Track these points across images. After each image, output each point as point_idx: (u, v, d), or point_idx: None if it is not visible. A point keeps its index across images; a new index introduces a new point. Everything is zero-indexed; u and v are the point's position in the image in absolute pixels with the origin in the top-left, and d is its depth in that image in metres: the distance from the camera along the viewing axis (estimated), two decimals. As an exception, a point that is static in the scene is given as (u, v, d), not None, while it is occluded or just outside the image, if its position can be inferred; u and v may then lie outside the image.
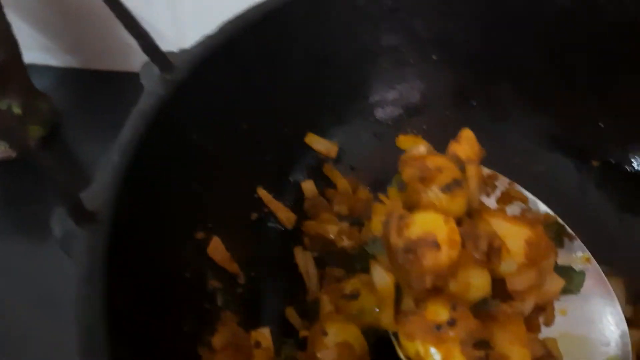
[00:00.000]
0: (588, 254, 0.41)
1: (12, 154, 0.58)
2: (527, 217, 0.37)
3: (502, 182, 0.45)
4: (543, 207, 0.43)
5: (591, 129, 0.47)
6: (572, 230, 0.43)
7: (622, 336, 0.38)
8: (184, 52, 0.36)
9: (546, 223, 0.41)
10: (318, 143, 0.46)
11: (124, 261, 0.29)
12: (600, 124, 0.47)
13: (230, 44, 0.38)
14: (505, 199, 0.44)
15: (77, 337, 0.25)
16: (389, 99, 0.48)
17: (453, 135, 0.48)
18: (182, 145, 0.36)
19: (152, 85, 0.34)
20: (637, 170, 0.46)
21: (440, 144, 0.48)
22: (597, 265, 0.40)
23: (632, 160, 0.46)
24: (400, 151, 0.49)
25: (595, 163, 0.47)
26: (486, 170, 0.43)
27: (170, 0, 0.60)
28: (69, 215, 0.28)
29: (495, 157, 0.48)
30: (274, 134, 0.43)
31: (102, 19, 0.60)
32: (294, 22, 0.41)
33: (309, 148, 0.46)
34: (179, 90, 0.34)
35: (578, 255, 0.41)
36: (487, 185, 0.45)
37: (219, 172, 0.39)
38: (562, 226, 0.42)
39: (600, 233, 0.45)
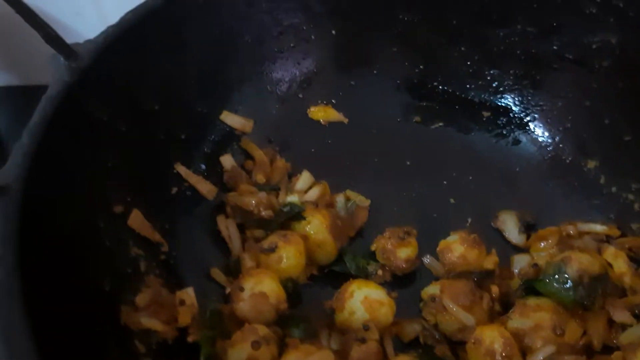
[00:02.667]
0: None
1: None
2: None
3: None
4: None
5: (481, 82, 0.52)
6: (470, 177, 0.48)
7: None
8: (88, 42, 0.39)
9: None
10: (233, 120, 0.50)
11: (38, 228, 0.32)
12: (487, 77, 0.52)
13: (133, 31, 0.41)
14: None
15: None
16: (295, 73, 0.52)
17: (359, 104, 0.53)
18: (92, 126, 0.39)
19: (59, 73, 0.37)
20: (522, 120, 0.51)
21: (349, 114, 0.53)
22: None
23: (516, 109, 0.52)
24: (311, 121, 0.53)
25: (485, 114, 0.52)
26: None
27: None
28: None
29: (395, 119, 0.53)
30: (187, 113, 0.46)
31: (34, 35, 0.62)
32: (195, 7, 0.44)
33: (224, 124, 0.50)
34: (84, 76, 0.38)
35: None
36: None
37: (134, 150, 0.42)
38: None
39: (496, 176, 0.50)
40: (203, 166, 0.47)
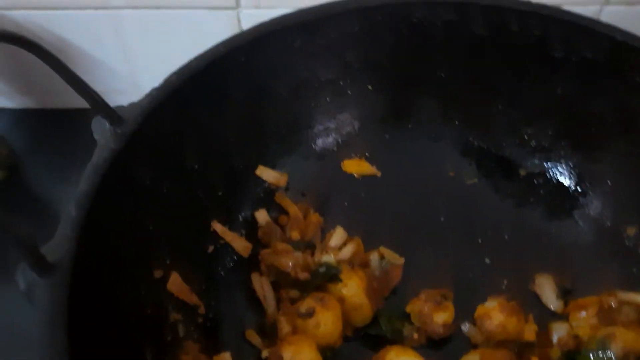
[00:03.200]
0: None
1: None
2: None
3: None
4: None
5: (517, 141, 0.52)
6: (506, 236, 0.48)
7: None
8: (132, 105, 0.39)
9: None
10: (268, 174, 0.49)
11: (85, 306, 0.32)
12: (524, 136, 0.52)
13: (176, 94, 0.41)
14: None
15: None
16: (331, 127, 0.52)
17: (394, 158, 0.53)
18: (136, 191, 0.39)
19: (104, 139, 0.37)
20: (558, 180, 0.51)
21: (383, 167, 0.53)
22: None
23: (554, 170, 0.51)
24: (346, 174, 0.53)
25: (522, 172, 0.52)
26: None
27: (125, 55, 0.63)
28: (32, 268, 0.30)
29: (430, 174, 0.53)
30: (224, 169, 0.46)
31: None
32: (235, 67, 0.44)
33: (260, 179, 0.49)
34: (129, 141, 0.38)
35: None
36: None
37: (173, 211, 0.42)
38: None
39: (531, 236, 0.50)
40: (239, 222, 0.47)
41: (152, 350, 0.36)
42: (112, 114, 0.37)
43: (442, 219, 0.51)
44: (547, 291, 0.46)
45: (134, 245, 0.38)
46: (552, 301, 0.46)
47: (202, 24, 0.60)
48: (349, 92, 0.51)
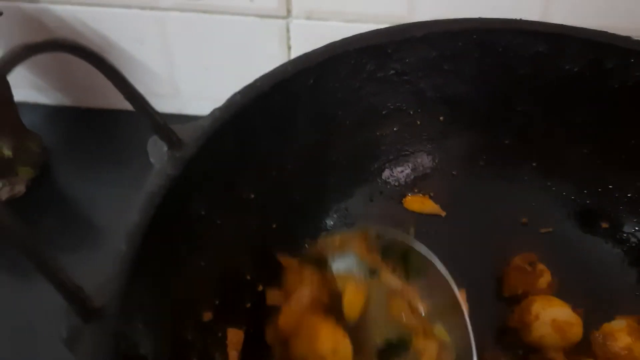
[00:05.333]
0: None
1: (1, 196, 0.56)
2: None
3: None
4: None
5: (600, 190, 0.47)
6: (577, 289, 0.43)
7: None
8: (192, 125, 0.35)
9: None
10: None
11: (131, 356, 0.28)
12: (609, 185, 0.47)
13: (239, 115, 0.37)
14: None
15: None
16: (395, 160, 0.48)
17: (461, 196, 0.48)
18: (190, 222, 0.35)
19: (161, 164, 0.33)
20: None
21: (448, 207, 0.48)
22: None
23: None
24: (408, 212, 0.49)
25: (604, 225, 0.47)
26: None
27: (168, 59, 0.60)
28: (76, 314, 0.26)
29: (502, 217, 0.48)
30: (281, 201, 0.42)
31: None
32: (302, 90, 0.40)
33: (321, 212, 0.45)
34: (187, 167, 0.33)
35: None
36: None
37: (226, 245, 0.38)
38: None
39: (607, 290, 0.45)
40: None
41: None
42: (172, 136, 0.33)
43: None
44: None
45: (184, 283, 0.34)
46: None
47: (248, 32, 0.58)
48: (418, 122, 0.47)
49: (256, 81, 0.38)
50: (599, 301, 0.43)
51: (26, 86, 0.65)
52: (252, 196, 0.39)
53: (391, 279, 0.38)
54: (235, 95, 0.37)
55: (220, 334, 0.36)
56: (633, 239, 0.46)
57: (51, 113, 0.67)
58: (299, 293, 0.37)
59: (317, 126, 0.43)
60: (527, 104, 0.46)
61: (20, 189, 0.58)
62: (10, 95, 0.57)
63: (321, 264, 0.39)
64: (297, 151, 0.42)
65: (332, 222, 0.46)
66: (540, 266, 0.44)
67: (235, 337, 0.37)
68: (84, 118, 0.66)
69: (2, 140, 0.55)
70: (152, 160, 0.33)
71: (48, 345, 0.45)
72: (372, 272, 0.38)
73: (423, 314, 0.38)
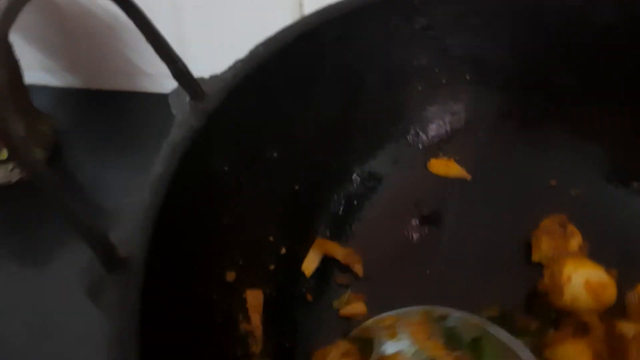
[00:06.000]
0: None
1: (11, 179, 0.56)
2: None
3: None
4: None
5: (632, 150, 0.45)
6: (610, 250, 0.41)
7: None
8: (214, 78, 0.34)
9: None
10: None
11: (157, 310, 0.27)
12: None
13: (262, 68, 0.35)
14: None
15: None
16: (420, 121, 0.46)
17: (487, 159, 0.47)
18: (214, 177, 0.33)
19: (183, 115, 0.31)
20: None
21: (474, 170, 0.47)
22: None
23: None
24: (432, 175, 0.47)
25: (636, 184, 0.45)
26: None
27: (179, 36, 0.58)
28: (101, 262, 0.25)
29: (530, 180, 0.46)
30: (306, 162, 0.40)
31: (104, 38, 0.59)
32: (326, 44, 0.38)
33: (344, 173, 0.44)
34: (210, 119, 0.32)
35: None
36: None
37: (250, 204, 0.36)
38: None
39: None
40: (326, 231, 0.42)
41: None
42: (195, 86, 0.32)
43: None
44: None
45: (208, 240, 0.32)
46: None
47: (260, 7, 0.55)
48: (444, 81, 0.45)
49: (279, 33, 0.36)
50: (633, 262, 0.41)
51: (37, 68, 0.63)
52: (275, 155, 0.38)
53: None
54: (257, 47, 0.35)
55: (244, 296, 0.35)
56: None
57: (61, 95, 0.65)
58: None
59: (341, 83, 0.41)
60: (558, 63, 0.44)
61: (31, 170, 0.57)
62: (20, 75, 0.55)
63: (366, 349, 0.33)
64: (320, 109, 0.40)
65: (355, 186, 0.45)
66: (571, 227, 0.42)
67: (254, 299, 0.36)
68: (94, 100, 0.65)
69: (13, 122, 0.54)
70: (174, 112, 0.32)
71: (61, 334, 0.46)
72: None
73: None
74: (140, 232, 0.27)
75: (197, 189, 0.31)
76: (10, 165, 0.55)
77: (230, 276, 0.34)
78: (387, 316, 0.35)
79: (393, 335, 0.33)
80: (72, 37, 0.61)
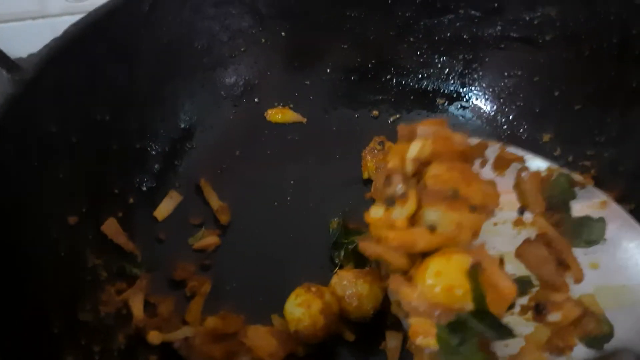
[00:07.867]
0: (604, 196, 0.37)
1: None
2: None
3: (493, 149, 0.39)
4: (542, 163, 0.39)
5: (431, 71, 0.53)
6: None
7: None
8: (32, 55, 0.40)
9: (552, 177, 0.38)
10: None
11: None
12: (438, 65, 0.53)
13: (77, 43, 0.41)
14: (500, 163, 0.39)
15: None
16: (249, 77, 0.53)
17: (317, 101, 0.53)
18: (41, 137, 0.38)
19: (2, 87, 0.37)
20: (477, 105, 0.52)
21: (308, 113, 0.53)
22: (617, 206, 0.37)
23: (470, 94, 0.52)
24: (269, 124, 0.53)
25: (440, 101, 0.53)
26: (474, 141, 0.37)
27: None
28: None
29: (354, 115, 0.53)
30: (140, 123, 0.46)
31: None
32: (139, 16, 0.45)
33: (177, 130, 0.50)
34: (28, 87, 0.38)
35: (594, 202, 0.37)
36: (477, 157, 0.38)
37: (87, 161, 0.42)
38: (568, 175, 0.38)
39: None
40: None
41: (68, 287, 0.36)
42: (9, 62, 0.38)
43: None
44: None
45: (42, 189, 0.38)
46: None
47: None
48: (263, 40, 0.52)
49: (90, 12, 0.42)
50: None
51: None
52: (107, 118, 0.44)
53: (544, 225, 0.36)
54: (70, 26, 0.41)
55: (90, 236, 0.41)
56: (466, 110, 0.52)
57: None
58: None
59: (162, 52, 0.47)
60: (354, 8, 0.51)
61: None
62: None
63: None
64: (147, 76, 0.46)
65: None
66: (389, 144, 0.49)
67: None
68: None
69: None
70: (-6, 86, 0.38)
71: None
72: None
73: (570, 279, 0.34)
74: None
75: (24, 146, 0.37)
76: None
77: (73, 220, 0.39)
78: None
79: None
80: None
